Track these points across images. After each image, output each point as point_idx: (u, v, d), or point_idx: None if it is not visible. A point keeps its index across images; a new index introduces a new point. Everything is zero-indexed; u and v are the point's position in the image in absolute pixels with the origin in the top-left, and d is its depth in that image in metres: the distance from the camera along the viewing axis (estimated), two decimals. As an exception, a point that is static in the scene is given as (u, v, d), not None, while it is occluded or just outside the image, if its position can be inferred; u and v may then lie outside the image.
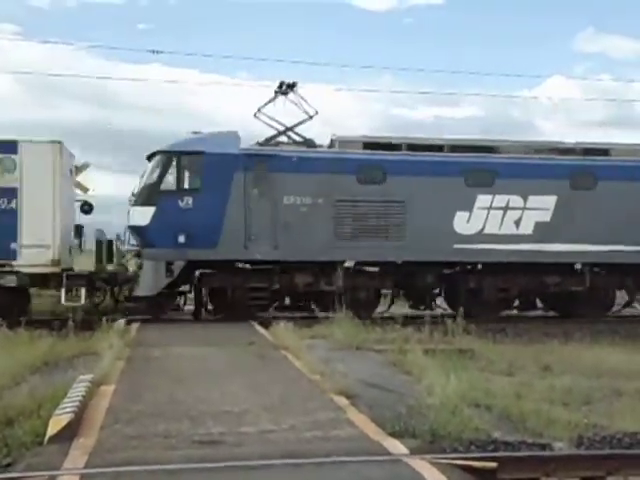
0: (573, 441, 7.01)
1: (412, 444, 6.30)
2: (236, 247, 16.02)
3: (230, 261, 16.54)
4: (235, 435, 6.41)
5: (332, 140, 17.39)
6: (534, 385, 9.30)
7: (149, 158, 16.91)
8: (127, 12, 67.69)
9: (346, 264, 16.75)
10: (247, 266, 16.86)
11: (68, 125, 48.49)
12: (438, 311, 17.56)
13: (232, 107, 63.90)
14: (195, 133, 17.06)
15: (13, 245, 15.35)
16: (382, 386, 8.84)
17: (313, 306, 16.20)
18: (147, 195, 16.20)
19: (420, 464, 5.67)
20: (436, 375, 8.64)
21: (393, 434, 6.59)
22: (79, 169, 18.71)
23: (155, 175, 16.30)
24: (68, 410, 6.60)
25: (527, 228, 17.16)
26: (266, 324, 14.82)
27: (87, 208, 18.22)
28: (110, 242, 17.55)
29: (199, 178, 16.22)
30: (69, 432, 6.29)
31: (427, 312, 16.64)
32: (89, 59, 61.00)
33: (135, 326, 14.79)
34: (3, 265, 15.42)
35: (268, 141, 17.28)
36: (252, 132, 18.01)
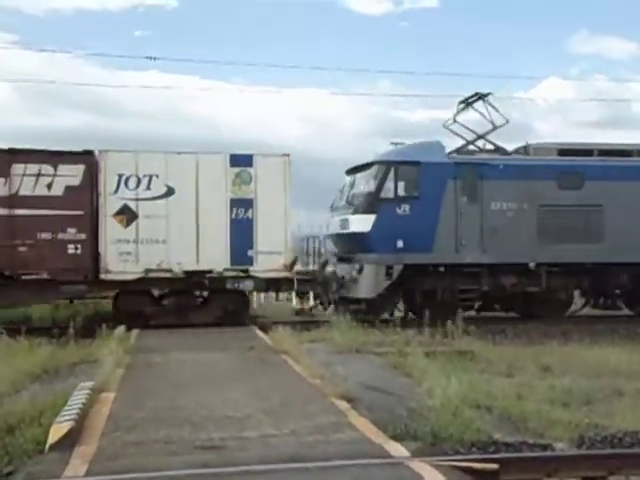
0: (574, 441, 7.03)
1: (413, 446, 6.31)
2: (448, 251, 16.86)
3: (434, 264, 17.10)
4: (237, 440, 6.41)
5: (526, 147, 18.21)
6: (534, 386, 9.32)
7: (351, 171, 18.05)
8: (124, 19, 67.68)
9: (530, 265, 17.29)
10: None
11: (67, 132, 48.38)
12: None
13: (232, 113, 64.03)
14: (396, 144, 17.88)
15: (250, 252, 16.35)
16: (383, 389, 8.84)
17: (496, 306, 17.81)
18: (368, 203, 16.97)
19: (422, 466, 5.67)
20: (436, 377, 8.64)
21: (394, 437, 6.59)
22: None
23: (373, 184, 17.03)
24: (69, 418, 6.60)
25: None
26: (265, 328, 14.85)
27: None
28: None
29: (415, 186, 16.95)
30: (70, 440, 6.29)
31: (618, 313, 18.25)
32: (87, 67, 61.00)
33: (134, 333, 14.79)
34: (243, 271, 16.43)
35: (462, 149, 18.08)
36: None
